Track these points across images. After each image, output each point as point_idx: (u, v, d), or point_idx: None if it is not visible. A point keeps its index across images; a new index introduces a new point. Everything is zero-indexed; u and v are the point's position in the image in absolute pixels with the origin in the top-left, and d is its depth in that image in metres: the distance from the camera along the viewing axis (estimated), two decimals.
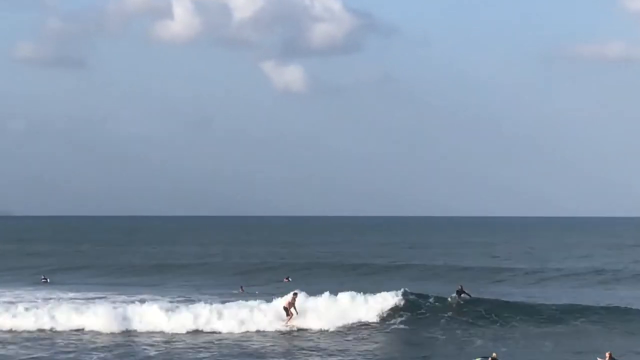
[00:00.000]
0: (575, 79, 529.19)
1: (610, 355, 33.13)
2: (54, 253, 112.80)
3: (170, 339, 42.71)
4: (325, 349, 39.36)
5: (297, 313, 44.64)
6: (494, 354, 33.68)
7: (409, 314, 46.38)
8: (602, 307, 48.77)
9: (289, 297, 45.60)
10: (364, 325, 45.00)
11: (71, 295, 58.67)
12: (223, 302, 48.77)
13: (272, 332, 43.94)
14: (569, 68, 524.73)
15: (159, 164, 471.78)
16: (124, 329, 44.49)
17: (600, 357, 33.59)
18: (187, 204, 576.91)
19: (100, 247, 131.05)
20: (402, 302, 47.23)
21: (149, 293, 58.75)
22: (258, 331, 44.08)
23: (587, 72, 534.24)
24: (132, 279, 76.12)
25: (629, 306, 48.98)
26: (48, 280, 71.45)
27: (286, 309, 44.89)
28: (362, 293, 47.64)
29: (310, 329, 44.13)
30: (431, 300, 48.46)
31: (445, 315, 46.46)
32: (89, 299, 55.26)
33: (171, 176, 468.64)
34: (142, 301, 49.92)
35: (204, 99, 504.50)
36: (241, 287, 64.33)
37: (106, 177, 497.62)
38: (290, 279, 71.61)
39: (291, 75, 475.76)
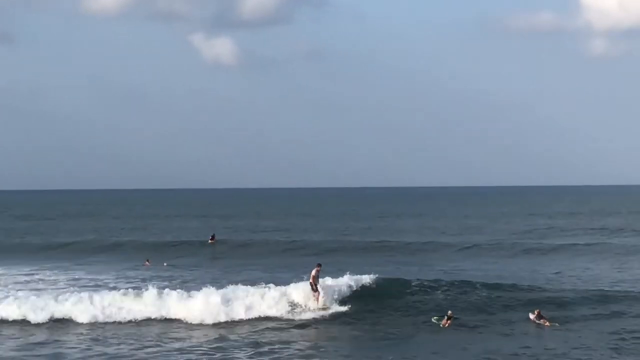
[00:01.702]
0: (506, 50, 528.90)
1: (539, 312, 34.30)
2: None
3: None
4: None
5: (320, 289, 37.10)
6: (449, 312, 34.29)
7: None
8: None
9: (313, 271, 37.21)
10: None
11: None
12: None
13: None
14: (501, 39, 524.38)
15: (87, 136, 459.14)
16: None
17: (531, 313, 34.45)
18: (116, 179, 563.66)
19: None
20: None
21: None
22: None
23: (518, 43, 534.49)
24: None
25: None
26: None
27: (312, 285, 36.71)
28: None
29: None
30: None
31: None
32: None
33: (100, 152, 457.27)
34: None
35: (133, 72, 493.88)
36: (147, 260, 59.73)
37: (34, 151, 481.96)
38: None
39: (221, 48, 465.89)
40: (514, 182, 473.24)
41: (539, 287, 41.35)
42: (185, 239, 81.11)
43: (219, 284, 41.17)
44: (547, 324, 33.50)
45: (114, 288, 41.55)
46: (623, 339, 30.43)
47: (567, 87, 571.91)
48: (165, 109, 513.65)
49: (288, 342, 31.12)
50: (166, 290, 38.17)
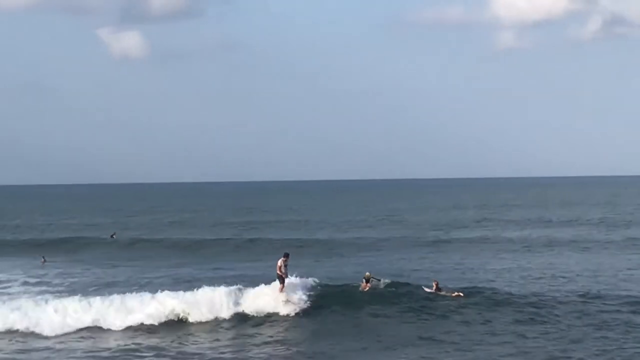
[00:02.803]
0: (416, 43, 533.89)
1: (437, 284, 35.09)
2: None
3: None
4: None
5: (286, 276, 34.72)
6: (367, 274, 35.33)
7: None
8: None
9: (279, 261, 34.58)
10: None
11: None
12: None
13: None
14: (411, 32, 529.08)
15: None
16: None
17: (428, 288, 34.98)
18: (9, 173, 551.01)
19: None
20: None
21: None
22: None
23: (426, 38, 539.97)
24: None
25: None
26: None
27: (279, 276, 34.30)
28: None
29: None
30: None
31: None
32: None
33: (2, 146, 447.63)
34: None
35: (38, 65, 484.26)
36: (43, 258, 57.45)
37: None
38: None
39: (130, 42, 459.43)
40: (423, 175, 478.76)
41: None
42: (86, 234, 78.61)
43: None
44: (453, 294, 33.91)
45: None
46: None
47: (476, 80, 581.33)
48: (72, 103, 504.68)
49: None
50: None
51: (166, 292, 34.34)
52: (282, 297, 33.95)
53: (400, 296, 34.27)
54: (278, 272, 34.18)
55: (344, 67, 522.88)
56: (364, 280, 34.38)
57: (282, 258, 34.40)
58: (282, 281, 34.17)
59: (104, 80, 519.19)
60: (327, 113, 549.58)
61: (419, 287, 35.46)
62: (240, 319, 32.86)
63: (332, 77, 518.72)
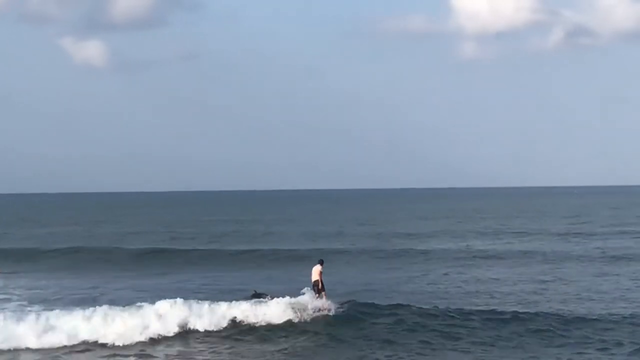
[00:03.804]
0: (379, 53, 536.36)
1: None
2: None
3: None
4: None
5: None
6: (253, 291, 36.05)
7: None
8: None
9: (316, 268, 34.61)
10: None
11: None
12: None
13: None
14: (374, 42, 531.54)
15: None
16: None
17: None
18: None
19: None
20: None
21: None
22: None
23: (387, 47, 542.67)
24: None
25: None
26: None
27: (316, 284, 34.30)
28: None
29: None
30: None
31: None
32: None
33: None
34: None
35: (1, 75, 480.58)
36: None
37: None
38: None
39: (92, 51, 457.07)
40: (387, 185, 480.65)
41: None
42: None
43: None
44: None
45: None
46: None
47: (438, 91, 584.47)
48: (33, 112, 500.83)
49: None
50: None
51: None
52: (322, 303, 33.77)
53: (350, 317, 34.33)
54: (318, 279, 34.00)
55: (308, 77, 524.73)
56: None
57: (319, 265, 34.51)
58: (320, 289, 33.96)
59: (65, 89, 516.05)
60: (290, 123, 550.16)
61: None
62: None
63: (296, 87, 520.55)
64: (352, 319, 34.12)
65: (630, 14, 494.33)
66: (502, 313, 35.43)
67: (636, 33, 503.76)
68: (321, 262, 35.06)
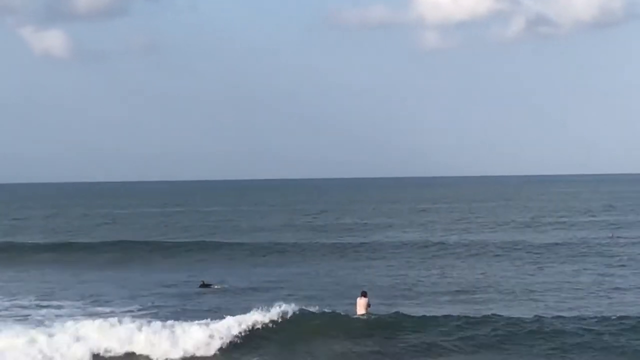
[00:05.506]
0: (341, 44, 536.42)
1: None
2: None
3: None
4: None
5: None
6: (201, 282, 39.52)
7: None
8: None
9: (362, 301, 32.26)
10: None
11: None
12: None
13: None
14: (336, 32, 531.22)
15: None
16: None
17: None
18: None
19: None
20: None
21: None
22: None
23: (352, 37, 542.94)
24: None
25: None
26: None
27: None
28: None
29: None
30: None
31: None
32: None
33: None
34: None
35: None
36: None
37: None
38: None
39: (52, 41, 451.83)
40: (351, 174, 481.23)
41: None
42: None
43: None
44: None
45: None
46: None
47: (401, 81, 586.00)
48: None
49: None
50: None
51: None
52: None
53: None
54: (364, 312, 31.77)
55: (270, 68, 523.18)
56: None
57: (364, 298, 32.10)
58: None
59: (24, 79, 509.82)
60: (253, 113, 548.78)
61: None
62: None
63: (258, 78, 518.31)
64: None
65: (590, 3, 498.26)
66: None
67: (596, 23, 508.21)
68: (364, 294, 32.50)
